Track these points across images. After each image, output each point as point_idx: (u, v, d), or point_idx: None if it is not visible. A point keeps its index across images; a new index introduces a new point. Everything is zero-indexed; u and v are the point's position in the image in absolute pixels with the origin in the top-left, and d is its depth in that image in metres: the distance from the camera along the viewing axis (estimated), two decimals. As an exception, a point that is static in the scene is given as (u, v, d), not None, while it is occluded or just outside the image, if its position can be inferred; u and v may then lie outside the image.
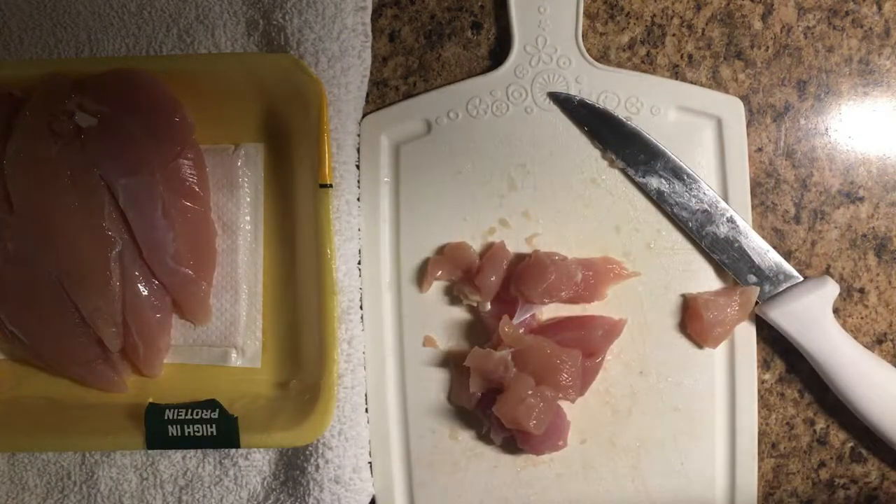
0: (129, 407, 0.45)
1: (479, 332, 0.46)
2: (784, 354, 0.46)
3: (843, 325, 0.44)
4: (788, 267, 0.44)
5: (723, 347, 0.45)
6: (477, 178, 0.46)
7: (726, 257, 0.45)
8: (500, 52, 0.47)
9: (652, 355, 0.45)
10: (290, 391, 0.45)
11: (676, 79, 0.47)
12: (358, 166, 0.46)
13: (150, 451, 0.46)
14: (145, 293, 0.44)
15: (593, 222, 0.46)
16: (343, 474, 0.44)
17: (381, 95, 0.48)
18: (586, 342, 0.44)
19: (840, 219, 0.46)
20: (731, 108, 0.45)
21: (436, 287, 0.46)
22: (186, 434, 0.42)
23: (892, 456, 0.46)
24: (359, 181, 0.46)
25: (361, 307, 0.46)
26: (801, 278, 0.44)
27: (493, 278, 0.44)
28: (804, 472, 0.47)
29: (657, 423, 0.45)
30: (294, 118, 0.45)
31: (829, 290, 0.43)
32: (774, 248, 0.45)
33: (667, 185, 0.45)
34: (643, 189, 0.46)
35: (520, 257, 0.45)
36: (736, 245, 0.45)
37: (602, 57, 0.47)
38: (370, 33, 0.46)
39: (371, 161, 0.47)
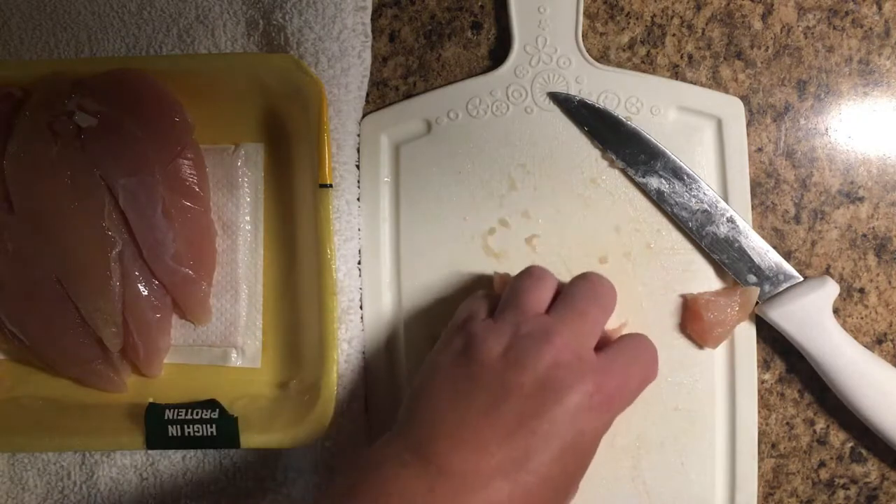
0: (129, 407, 0.45)
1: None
2: (784, 354, 0.46)
3: (843, 325, 0.44)
4: (788, 267, 0.44)
5: (723, 347, 0.45)
6: (477, 178, 0.46)
7: (726, 257, 0.45)
8: (500, 52, 0.47)
9: (652, 355, 0.45)
10: (290, 391, 0.45)
11: (676, 79, 0.47)
12: (358, 166, 0.46)
13: (150, 451, 0.46)
14: (145, 293, 0.44)
15: (593, 222, 0.46)
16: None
17: (381, 95, 0.48)
18: None
19: (840, 219, 0.46)
20: (731, 108, 0.45)
21: (436, 287, 0.46)
22: (186, 434, 0.42)
23: (892, 456, 0.46)
24: (359, 181, 0.46)
25: (361, 307, 0.46)
26: (802, 278, 0.44)
27: None
28: (804, 472, 0.47)
29: (657, 423, 0.45)
30: (294, 118, 0.45)
31: (829, 291, 0.43)
32: (774, 248, 0.45)
33: (667, 185, 0.45)
34: (643, 189, 0.46)
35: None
36: (736, 245, 0.45)
37: (602, 57, 0.47)
38: (370, 33, 0.46)
39: (371, 161, 0.47)
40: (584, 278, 0.41)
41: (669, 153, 0.45)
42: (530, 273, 0.41)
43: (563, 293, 0.40)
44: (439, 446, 0.35)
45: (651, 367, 0.40)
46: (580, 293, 0.40)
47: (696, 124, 0.46)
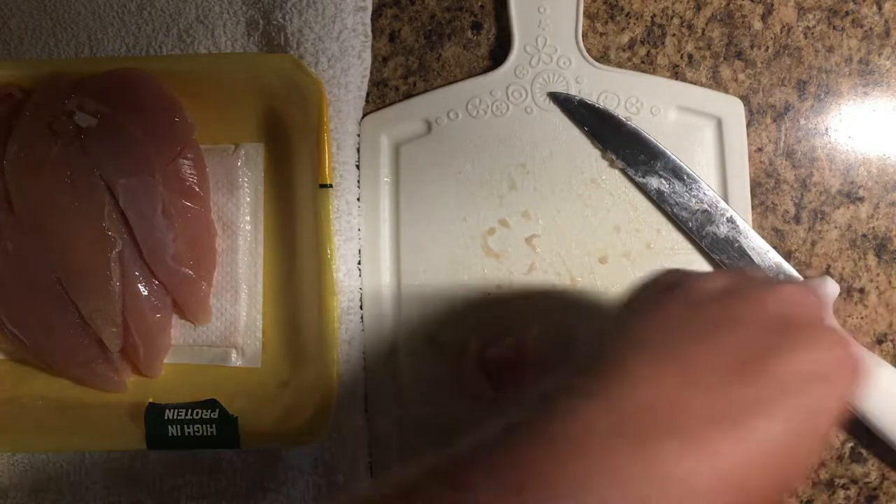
0: (129, 407, 0.45)
1: (478, 331, 0.46)
2: (784, 354, 0.46)
3: (843, 325, 0.44)
4: (789, 267, 0.44)
5: (723, 347, 0.45)
6: (477, 178, 0.46)
7: (726, 257, 0.45)
8: (500, 52, 0.47)
9: (652, 355, 0.45)
10: (290, 391, 0.45)
11: (676, 79, 0.47)
12: (358, 166, 0.46)
13: (150, 451, 0.46)
14: (145, 293, 0.44)
15: (593, 222, 0.46)
16: (343, 474, 0.44)
17: (381, 95, 0.48)
18: None
19: (840, 219, 0.46)
20: (731, 108, 0.45)
21: (436, 287, 0.46)
22: (186, 434, 0.42)
23: (892, 456, 0.46)
24: (359, 181, 0.46)
25: (361, 307, 0.46)
26: (802, 279, 0.44)
27: None
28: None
29: (657, 423, 0.45)
30: (294, 118, 0.45)
31: (830, 291, 0.43)
32: (774, 248, 0.45)
33: (667, 186, 0.45)
34: (643, 189, 0.45)
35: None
36: (736, 245, 0.45)
37: (602, 57, 0.47)
38: (370, 33, 0.46)
39: (371, 161, 0.47)
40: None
41: (669, 153, 0.45)
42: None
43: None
44: (636, 374, 0.27)
45: None
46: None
47: (696, 124, 0.46)
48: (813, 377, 0.27)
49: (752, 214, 0.46)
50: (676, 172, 0.45)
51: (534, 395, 0.28)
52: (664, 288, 0.31)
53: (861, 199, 0.46)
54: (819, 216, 0.46)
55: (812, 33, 0.46)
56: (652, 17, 0.47)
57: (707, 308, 0.29)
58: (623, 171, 0.46)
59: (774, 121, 0.46)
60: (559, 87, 0.46)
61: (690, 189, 0.45)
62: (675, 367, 0.27)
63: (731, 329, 0.28)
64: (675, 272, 0.33)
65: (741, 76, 0.46)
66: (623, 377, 0.27)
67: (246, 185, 0.46)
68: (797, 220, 0.46)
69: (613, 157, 0.46)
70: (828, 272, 0.46)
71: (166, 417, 0.42)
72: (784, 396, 0.26)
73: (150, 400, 0.44)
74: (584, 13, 0.46)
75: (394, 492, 0.26)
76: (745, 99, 0.46)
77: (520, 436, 0.26)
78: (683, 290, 0.30)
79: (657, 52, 0.47)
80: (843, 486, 0.46)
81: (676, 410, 0.26)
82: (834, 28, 0.46)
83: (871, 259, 0.46)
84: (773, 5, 0.46)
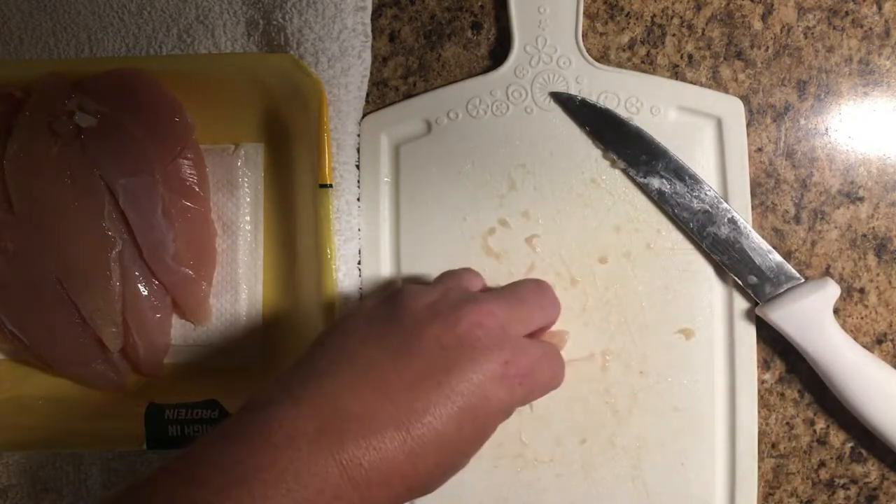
0: (129, 407, 0.45)
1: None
2: (784, 354, 0.46)
3: (843, 326, 0.44)
4: (790, 268, 0.44)
5: (723, 347, 0.45)
6: (477, 178, 0.46)
7: (727, 258, 0.45)
8: (500, 52, 0.47)
9: (652, 355, 0.45)
10: (290, 391, 0.45)
11: (676, 79, 0.47)
12: (358, 166, 0.46)
13: (149, 451, 0.46)
14: (145, 293, 0.44)
15: (593, 222, 0.46)
16: (343, 474, 0.44)
17: (381, 95, 0.48)
18: None
19: (840, 219, 0.46)
20: (731, 108, 0.45)
21: (436, 287, 0.46)
22: (186, 434, 0.42)
23: (892, 456, 0.46)
24: (359, 181, 0.46)
25: (361, 307, 0.46)
26: (803, 279, 0.44)
27: None
28: (804, 472, 0.47)
29: (657, 423, 0.45)
30: (294, 118, 0.45)
31: (830, 292, 0.43)
32: (774, 248, 0.45)
33: (668, 186, 0.45)
34: (644, 189, 0.46)
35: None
36: (737, 246, 0.45)
37: (602, 57, 0.47)
38: (370, 33, 0.46)
39: (371, 161, 0.47)
40: (533, 279, 0.41)
41: (671, 153, 0.45)
42: (468, 268, 0.42)
43: (508, 284, 0.41)
44: (340, 384, 0.34)
45: (559, 373, 0.40)
46: (525, 286, 0.40)
47: (696, 124, 0.46)
48: (484, 380, 0.34)
49: (752, 214, 0.46)
50: (678, 173, 0.45)
51: (255, 403, 0.34)
52: (381, 301, 0.38)
53: (861, 199, 0.46)
54: (819, 216, 0.46)
55: (812, 33, 0.46)
56: (652, 17, 0.47)
57: (405, 327, 0.35)
58: (624, 172, 0.46)
59: (774, 121, 0.46)
60: (559, 87, 0.46)
61: (692, 189, 0.45)
62: (370, 382, 0.34)
63: (420, 349, 0.34)
64: (400, 287, 0.38)
65: (741, 76, 0.46)
66: (328, 390, 0.33)
67: (246, 185, 0.46)
68: (797, 220, 0.46)
69: (615, 158, 0.46)
70: (828, 272, 0.46)
71: (166, 417, 0.43)
72: (451, 399, 0.34)
73: (150, 400, 0.44)
74: (584, 13, 0.46)
75: (127, 491, 0.31)
76: (745, 99, 0.46)
77: (243, 437, 0.32)
78: (391, 304, 0.37)
79: (657, 52, 0.47)
80: (843, 486, 0.47)
81: (368, 415, 0.33)
82: (834, 28, 0.46)
83: (871, 259, 0.46)
84: (773, 5, 0.46)
